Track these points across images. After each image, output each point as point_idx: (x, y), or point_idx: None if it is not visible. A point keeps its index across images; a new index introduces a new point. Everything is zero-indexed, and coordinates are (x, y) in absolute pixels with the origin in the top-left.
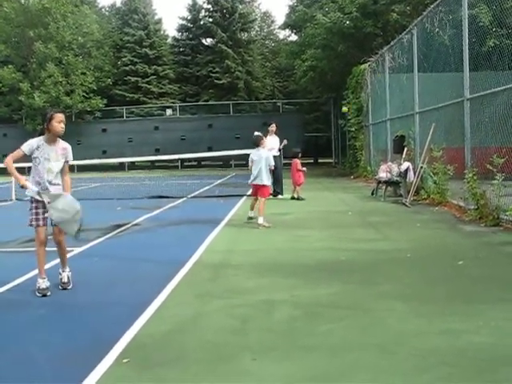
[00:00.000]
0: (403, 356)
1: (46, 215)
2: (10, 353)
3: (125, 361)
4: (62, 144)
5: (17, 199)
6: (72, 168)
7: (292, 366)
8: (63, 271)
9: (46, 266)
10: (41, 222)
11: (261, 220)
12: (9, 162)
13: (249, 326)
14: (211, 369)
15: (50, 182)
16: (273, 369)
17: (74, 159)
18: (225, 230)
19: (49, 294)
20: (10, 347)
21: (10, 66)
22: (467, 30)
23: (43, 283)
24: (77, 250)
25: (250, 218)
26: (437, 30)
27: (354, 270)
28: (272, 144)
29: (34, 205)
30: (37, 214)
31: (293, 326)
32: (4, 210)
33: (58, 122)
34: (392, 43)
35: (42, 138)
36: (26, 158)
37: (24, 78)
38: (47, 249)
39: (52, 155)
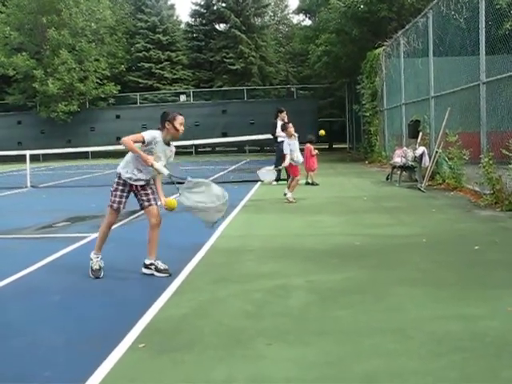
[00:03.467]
0: (419, 341)
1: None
2: (26, 337)
3: (141, 346)
4: (172, 146)
5: (31, 186)
6: (86, 154)
7: (307, 350)
8: (156, 260)
9: (61, 252)
10: (122, 206)
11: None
12: (129, 143)
13: (264, 310)
14: (227, 353)
15: (149, 180)
16: (288, 353)
17: (87, 146)
18: (239, 216)
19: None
20: (26, 332)
21: (23, 53)
22: (484, 12)
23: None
24: (92, 236)
25: (285, 195)
26: (453, 13)
27: (368, 255)
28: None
29: (121, 187)
30: (121, 197)
31: (308, 311)
32: (19, 197)
33: (180, 124)
34: (407, 27)
35: (161, 133)
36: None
37: (38, 65)
38: (60, 235)
39: (162, 156)
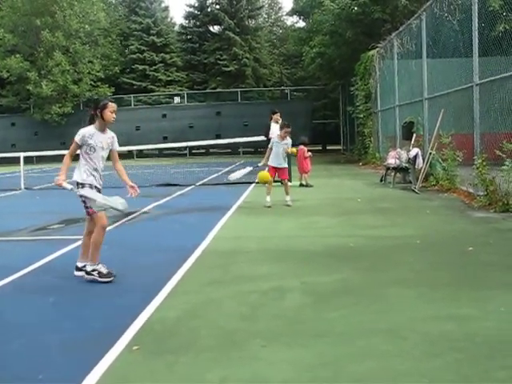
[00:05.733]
0: (413, 341)
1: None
2: (21, 339)
3: (135, 348)
4: (110, 133)
5: (25, 188)
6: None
7: (302, 352)
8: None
9: (56, 254)
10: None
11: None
12: (66, 160)
13: (259, 312)
14: (222, 355)
15: (102, 170)
16: (283, 355)
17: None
18: (234, 218)
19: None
20: (21, 334)
21: (17, 55)
22: (477, 14)
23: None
24: None
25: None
26: (446, 14)
27: (363, 257)
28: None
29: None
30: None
31: (302, 313)
32: (13, 199)
33: (111, 112)
34: (400, 29)
35: (93, 126)
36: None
37: (31, 67)
38: (55, 237)
39: (104, 143)
